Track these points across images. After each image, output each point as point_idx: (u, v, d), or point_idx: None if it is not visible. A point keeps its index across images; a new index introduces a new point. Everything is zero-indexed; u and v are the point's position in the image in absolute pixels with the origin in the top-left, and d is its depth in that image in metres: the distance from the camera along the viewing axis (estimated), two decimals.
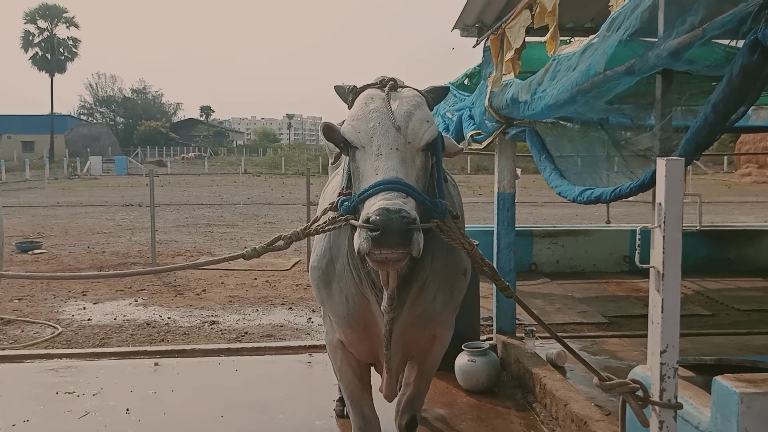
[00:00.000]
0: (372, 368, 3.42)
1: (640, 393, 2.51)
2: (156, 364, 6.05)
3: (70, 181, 39.73)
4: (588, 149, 4.23)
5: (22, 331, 7.26)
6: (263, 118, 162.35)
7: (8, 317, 7.68)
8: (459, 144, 2.94)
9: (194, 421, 4.87)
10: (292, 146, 78.20)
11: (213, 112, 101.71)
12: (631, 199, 3.45)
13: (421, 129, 2.48)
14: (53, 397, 5.26)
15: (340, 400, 4.77)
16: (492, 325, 6.34)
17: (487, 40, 5.33)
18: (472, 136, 5.60)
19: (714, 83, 3.11)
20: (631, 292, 8.83)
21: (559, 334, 2.88)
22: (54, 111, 65.66)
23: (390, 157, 2.37)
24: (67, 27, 65.01)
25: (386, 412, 3.53)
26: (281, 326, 7.44)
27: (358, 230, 2.28)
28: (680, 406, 2.46)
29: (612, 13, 3.07)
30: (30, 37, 63.81)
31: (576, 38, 5.05)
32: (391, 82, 2.61)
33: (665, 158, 2.34)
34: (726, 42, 2.61)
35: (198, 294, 9.00)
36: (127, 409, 4.99)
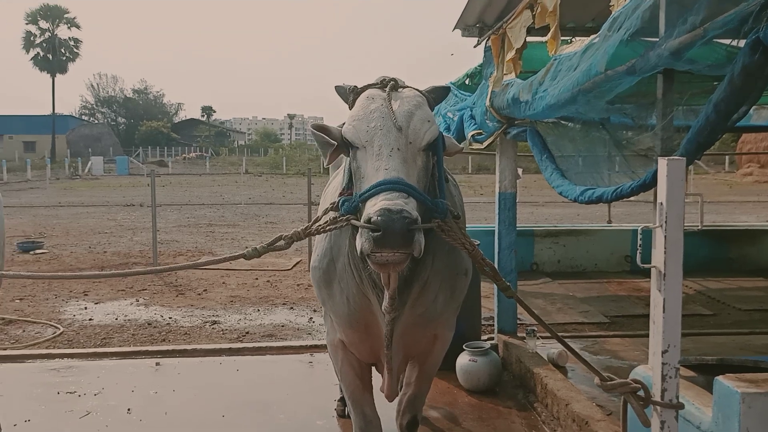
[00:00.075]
0: (373, 368, 3.41)
1: (641, 393, 2.50)
2: (157, 363, 6.05)
3: (72, 182, 39.77)
4: (589, 149, 4.22)
5: (24, 331, 7.27)
6: (264, 119, 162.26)
7: (10, 317, 7.69)
8: (460, 144, 2.94)
9: (195, 421, 4.87)
10: (293, 146, 78.10)
11: (214, 112, 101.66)
12: (632, 198, 3.45)
13: (422, 129, 2.48)
14: (54, 396, 5.26)
15: (342, 399, 4.77)
16: (493, 325, 6.33)
17: (488, 40, 5.32)
18: (473, 135, 5.60)
19: (715, 83, 3.11)
20: (633, 291, 8.83)
21: (560, 334, 2.88)
22: (55, 111, 65.84)
23: (391, 157, 2.37)
24: (69, 27, 65.16)
25: (387, 411, 3.54)
26: (282, 326, 7.44)
27: (359, 231, 2.28)
28: (682, 406, 2.46)
29: (613, 12, 3.06)
30: (31, 38, 63.91)
31: (577, 38, 5.06)
32: (392, 82, 2.61)
33: (666, 158, 2.33)
34: (727, 41, 2.61)
35: (199, 294, 9.00)
36: (129, 409, 4.99)
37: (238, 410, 5.00)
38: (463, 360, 5.37)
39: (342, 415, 4.75)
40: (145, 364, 6.07)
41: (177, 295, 8.90)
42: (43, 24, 64.22)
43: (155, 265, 10.58)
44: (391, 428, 3.54)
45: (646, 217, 13.47)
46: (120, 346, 6.66)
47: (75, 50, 65.38)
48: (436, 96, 2.73)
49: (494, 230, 6.18)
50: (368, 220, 2.21)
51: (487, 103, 5.08)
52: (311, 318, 7.73)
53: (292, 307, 8.28)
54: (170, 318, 7.73)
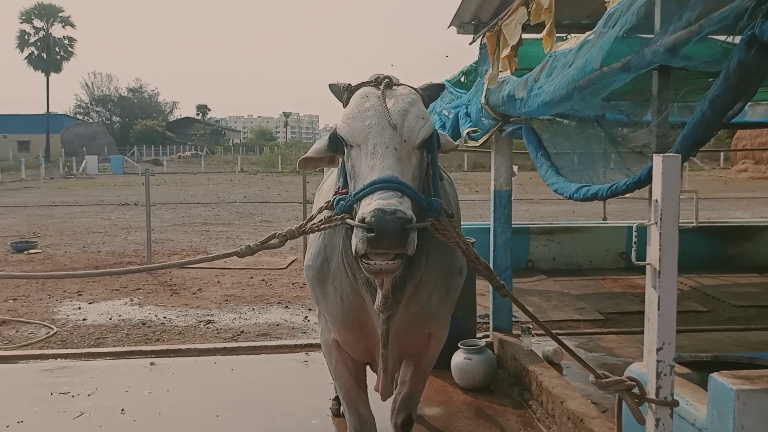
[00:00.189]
0: (367, 367, 3.40)
1: (636, 390, 2.50)
2: (151, 363, 6.03)
3: (66, 181, 39.63)
4: (584, 146, 4.22)
5: (17, 331, 7.23)
6: (260, 117, 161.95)
7: (3, 317, 7.65)
8: (455, 141, 2.93)
9: (190, 421, 4.85)
10: (288, 144, 78.00)
11: (209, 110, 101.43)
12: (627, 195, 3.44)
13: (416, 127, 2.47)
14: (48, 397, 5.23)
15: (337, 398, 4.75)
16: (488, 323, 6.32)
17: (483, 37, 5.31)
18: (468, 133, 5.59)
19: (711, 79, 3.10)
20: (628, 288, 8.83)
21: (555, 332, 2.87)
22: (50, 110, 65.52)
23: (386, 155, 2.35)
24: (63, 26, 64.91)
25: (382, 410, 3.52)
26: (277, 325, 7.42)
27: (354, 230, 2.27)
28: (676, 404, 2.45)
29: (608, 9, 3.05)
30: (26, 37, 63.65)
31: (572, 35, 5.05)
32: (386, 80, 2.59)
33: (662, 155, 2.32)
34: (723, 38, 2.60)
35: (194, 293, 8.97)
36: (122, 410, 4.97)
37: (232, 410, 4.98)
38: (458, 358, 5.36)
39: (337, 414, 4.73)
40: (140, 364, 6.05)
41: (171, 295, 8.87)
42: (38, 23, 63.98)
43: (149, 263, 10.55)
44: (386, 427, 3.53)
45: (641, 214, 13.49)
46: (114, 346, 6.63)
47: (69, 49, 65.16)
48: (431, 93, 2.72)
49: (490, 228, 6.17)
50: (362, 220, 2.19)
51: (483, 100, 5.06)
52: (306, 317, 7.71)
53: (287, 306, 8.26)
54: (164, 317, 7.70)
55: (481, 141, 5.56)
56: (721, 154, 38.11)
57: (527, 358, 5.41)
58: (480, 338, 5.93)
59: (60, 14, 64.40)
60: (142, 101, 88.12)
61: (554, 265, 10.23)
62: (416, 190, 2.36)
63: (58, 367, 5.94)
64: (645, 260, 2.43)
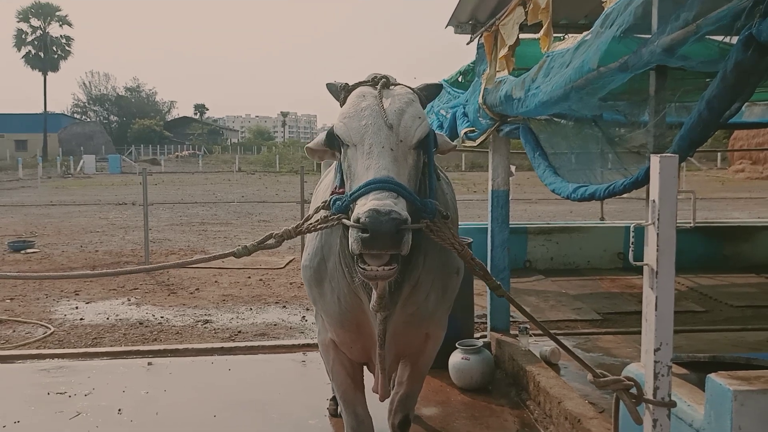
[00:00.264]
0: (365, 367, 3.40)
1: (634, 390, 2.50)
2: (149, 363, 6.02)
3: (64, 180, 39.58)
4: (582, 146, 4.22)
5: (14, 331, 7.21)
6: (257, 116, 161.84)
7: (0, 317, 7.63)
8: (453, 141, 2.92)
9: (187, 421, 4.84)
10: (286, 144, 78.01)
11: (207, 110, 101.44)
12: (624, 195, 3.44)
13: (412, 126, 2.46)
14: (45, 397, 5.22)
15: (334, 399, 4.75)
16: (486, 323, 6.32)
17: (480, 37, 5.30)
18: (466, 133, 5.58)
19: (708, 79, 3.10)
20: (625, 288, 8.84)
21: (552, 331, 2.86)
22: (47, 109, 65.47)
23: (381, 155, 2.35)
24: (60, 25, 64.82)
25: (379, 411, 3.52)
26: (275, 325, 7.41)
27: (350, 230, 2.27)
28: (674, 404, 2.45)
29: (605, 9, 3.05)
30: (23, 36, 63.55)
31: (569, 35, 5.05)
32: (383, 80, 2.58)
33: (659, 155, 2.32)
34: (720, 38, 2.59)
35: (191, 293, 8.96)
36: (120, 410, 4.96)
37: (230, 410, 4.97)
38: (455, 358, 5.36)
39: (334, 414, 4.73)
40: (137, 364, 6.04)
41: (169, 295, 8.86)
42: (35, 22, 63.87)
43: (147, 263, 10.54)
44: (383, 427, 3.52)
45: (638, 214, 13.49)
46: (111, 346, 6.61)
47: (67, 48, 65.07)
48: (428, 93, 2.72)
49: (487, 228, 6.17)
50: (357, 220, 2.19)
51: (480, 100, 5.06)
52: (304, 317, 7.71)
53: (284, 306, 8.26)
54: (162, 317, 7.69)
55: (478, 141, 5.56)
56: (718, 154, 38.13)
57: (525, 358, 5.41)
58: (477, 338, 5.93)
59: (57, 13, 64.32)
60: (139, 100, 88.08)
61: (552, 265, 10.23)
62: (411, 191, 2.36)
63: (55, 367, 5.93)
64: (642, 261, 2.43)
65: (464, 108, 5.71)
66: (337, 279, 2.91)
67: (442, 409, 5.01)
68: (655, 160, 2.32)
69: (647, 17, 2.76)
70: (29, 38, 63.72)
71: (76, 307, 8.19)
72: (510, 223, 6.17)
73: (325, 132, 2.65)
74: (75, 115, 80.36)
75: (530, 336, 5.77)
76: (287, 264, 11.00)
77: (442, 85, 3.57)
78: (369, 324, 2.89)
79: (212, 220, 17.87)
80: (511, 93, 4.25)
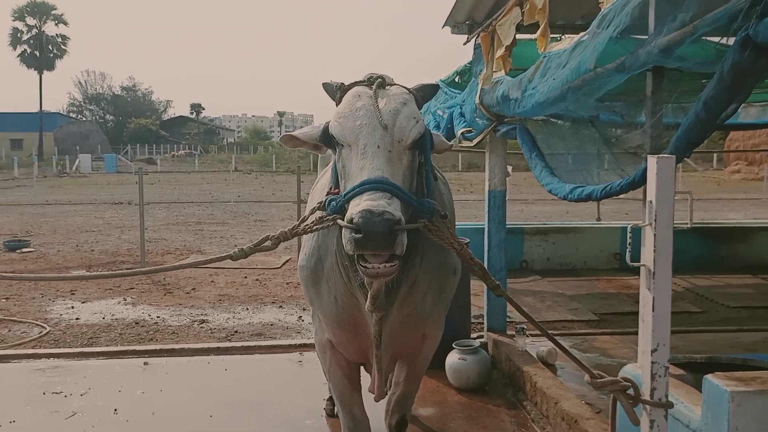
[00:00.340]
0: (362, 368, 3.39)
1: (631, 391, 2.50)
2: (145, 363, 6.00)
3: (59, 179, 39.49)
4: (578, 147, 4.22)
5: (9, 330, 7.19)
6: (254, 116, 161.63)
7: None
8: (449, 141, 2.92)
9: (183, 421, 4.83)
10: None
11: (203, 109, 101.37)
12: (621, 196, 3.44)
13: (407, 127, 2.45)
14: (40, 397, 5.21)
15: (330, 399, 4.74)
16: (483, 323, 6.33)
17: (477, 38, 5.31)
18: (462, 133, 5.58)
19: (704, 80, 3.11)
20: (622, 289, 8.85)
21: (549, 332, 2.86)
22: (43, 109, 65.21)
23: (376, 156, 2.34)
24: (56, 24, 64.64)
25: (376, 411, 3.51)
26: (271, 325, 7.41)
27: (343, 230, 2.26)
28: (671, 405, 2.45)
29: (602, 10, 3.05)
30: (18, 35, 63.38)
31: (566, 35, 5.06)
32: (379, 80, 2.58)
33: (656, 156, 2.32)
34: (717, 39, 2.60)
35: (187, 293, 8.95)
36: (115, 410, 4.95)
37: (226, 410, 4.97)
38: (452, 358, 5.36)
39: (331, 414, 4.73)
40: (133, 363, 6.02)
41: (165, 294, 8.84)
42: (30, 20, 63.70)
43: (143, 263, 10.52)
44: (380, 428, 3.52)
45: (635, 214, 13.53)
46: (107, 346, 6.60)
47: (62, 47, 64.91)
48: (425, 94, 2.71)
49: (484, 228, 6.17)
50: (350, 221, 2.18)
51: (477, 100, 5.07)
52: (300, 317, 7.70)
53: (281, 306, 8.25)
54: (158, 317, 7.68)
55: (475, 141, 5.56)
56: (714, 155, 38.24)
57: (521, 358, 5.41)
58: (474, 338, 5.92)
59: (53, 12, 64.16)
60: (135, 100, 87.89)
61: (548, 266, 10.24)
62: (407, 191, 2.35)
63: (51, 367, 5.91)
64: (639, 261, 2.43)
65: (461, 108, 5.71)
66: (334, 279, 2.90)
67: (438, 409, 5.01)
68: (652, 161, 2.32)
69: (644, 18, 2.76)
70: (25, 37, 63.56)
71: (72, 307, 8.17)
72: (506, 223, 6.17)
73: (320, 127, 2.64)
74: (71, 115, 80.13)
75: (527, 336, 5.77)
76: (284, 264, 10.99)
77: (438, 85, 3.57)
78: (366, 324, 2.88)
79: (208, 220, 17.84)
80: (508, 93, 4.26)
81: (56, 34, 64.57)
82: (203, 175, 43.20)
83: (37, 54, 63.26)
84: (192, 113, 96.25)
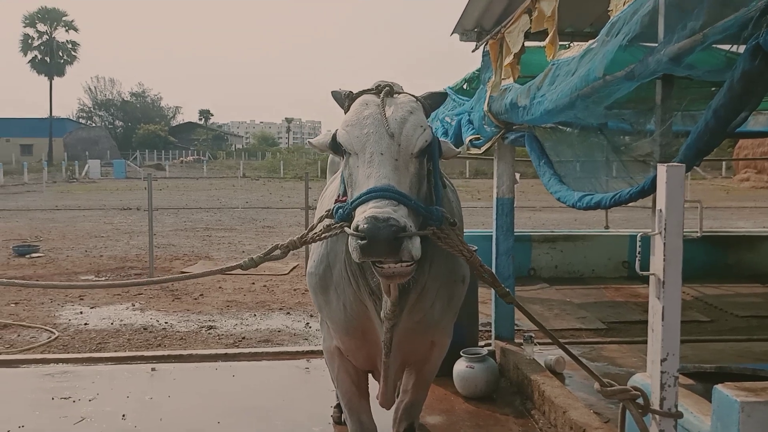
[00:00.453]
0: (370, 375, 3.39)
1: (640, 401, 2.48)
2: (153, 369, 6.02)
3: (69, 185, 39.68)
4: (587, 154, 4.21)
5: (19, 335, 7.22)
6: (262, 122, 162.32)
7: (4, 321, 7.65)
8: (457, 148, 2.92)
9: (191, 427, 4.84)
10: (290, 150, 77.86)
11: (212, 115, 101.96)
12: (630, 204, 3.43)
13: (414, 135, 2.46)
14: (49, 402, 5.22)
15: (338, 406, 4.73)
16: (490, 331, 6.31)
17: (486, 45, 5.31)
18: (471, 140, 5.58)
19: (713, 88, 3.10)
20: (630, 297, 8.81)
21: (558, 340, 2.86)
22: (53, 114, 65.59)
23: (382, 164, 2.35)
24: (67, 30, 65.06)
25: (384, 419, 3.50)
26: (279, 331, 7.41)
27: (349, 238, 2.26)
28: (680, 415, 2.44)
29: (611, 17, 3.05)
30: (29, 41, 63.83)
31: (575, 43, 5.05)
32: (387, 88, 2.59)
33: (666, 164, 2.32)
34: (727, 47, 2.59)
35: (195, 299, 8.96)
36: (123, 415, 4.96)
37: (234, 416, 4.97)
38: (460, 366, 5.34)
39: (338, 422, 4.71)
40: (141, 369, 6.04)
41: (173, 300, 8.86)
42: (41, 27, 64.16)
43: (151, 269, 10.54)
44: None
45: (643, 222, 13.47)
46: (115, 351, 6.62)
47: (73, 53, 65.31)
48: (433, 102, 2.72)
49: (491, 235, 6.16)
50: (356, 228, 2.19)
51: (485, 107, 5.07)
52: (308, 323, 7.70)
53: (288, 312, 8.25)
54: (166, 323, 7.70)
55: (483, 148, 5.56)
56: (723, 163, 38.05)
57: (529, 367, 5.39)
58: (482, 346, 5.90)
59: (64, 18, 64.58)
60: (144, 106, 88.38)
61: (556, 274, 10.21)
62: (414, 199, 2.35)
63: (60, 372, 5.93)
64: (649, 270, 2.42)
65: (469, 115, 5.71)
66: (342, 286, 2.90)
67: (446, 417, 4.99)
68: (662, 170, 2.32)
69: (654, 26, 2.76)
70: (35, 43, 64.01)
71: (81, 312, 8.20)
72: (514, 230, 6.16)
73: (330, 135, 2.65)
74: (80, 120, 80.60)
75: (535, 345, 5.74)
76: (291, 270, 11.00)
77: (446, 93, 3.58)
78: (374, 331, 2.88)
79: (216, 226, 17.89)
80: (516, 101, 4.26)
81: (67, 41, 65.01)
82: (211, 181, 43.33)
83: (48, 60, 63.67)
84: (201, 119, 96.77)
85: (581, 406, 4.51)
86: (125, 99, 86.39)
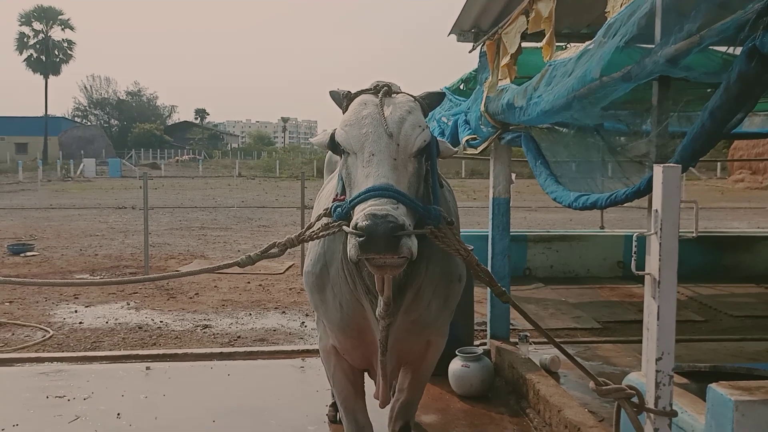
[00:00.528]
0: (365, 374, 3.40)
1: (635, 399, 2.50)
2: (148, 368, 6.01)
3: (64, 183, 39.58)
4: (583, 155, 4.23)
5: (13, 334, 7.20)
6: (258, 122, 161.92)
7: None
8: (454, 148, 2.93)
9: (186, 426, 4.84)
10: (286, 149, 77.72)
11: (208, 114, 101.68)
12: (625, 204, 3.45)
13: (413, 135, 2.46)
14: (43, 401, 5.21)
15: (333, 405, 4.74)
16: (486, 330, 6.32)
17: (483, 45, 5.32)
18: (467, 140, 5.59)
19: (710, 89, 3.11)
20: (625, 297, 8.84)
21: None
22: (48, 113, 65.56)
23: (381, 163, 2.36)
24: (63, 29, 65.01)
25: (380, 418, 3.51)
26: (274, 330, 7.41)
27: (348, 237, 2.27)
28: (675, 414, 2.45)
29: (608, 19, 3.06)
30: (25, 39, 63.70)
31: (572, 44, 5.07)
32: (385, 88, 2.59)
33: (662, 165, 2.33)
34: (723, 49, 2.61)
35: (191, 297, 8.95)
36: (118, 414, 4.95)
37: (229, 415, 4.97)
38: (455, 365, 5.35)
39: (334, 420, 4.72)
40: (136, 368, 6.03)
41: (168, 299, 8.85)
42: (37, 25, 64.04)
43: (146, 268, 10.53)
44: None
45: (638, 222, 13.50)
46: (110, 350, 6.61)
47: (69, 52, 65.22)
48: (431, 102, 2.72)
49: (487, 235, 6.18)
50: (355, 226, 2.19)
51: (482, 108, 5.08)
52: (303, 322, 7.70)
53: (284, 312, 8.25)
54: (161, 322, 7.68)
55: (480, 149, 5.57)
56: (718, 164, 38.19)
57: (524, 366, 5.41)
58: (477, 346, 5.92)
59: (60, 17, 64.50)
60: (140, 104, 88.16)
61: (551, 273, 10.24)
62: (412, 198, 2.36)
63: (54, 371, 5.92)
64: (644, 270, 2.43)
65: (466, 116, 5.72)
66: (339, 285, 2.91)
67: (441, 416, 5.00)
68: (658, 170, 2.33)
69: (650, 27, 2.77)
70: (31, 42, 63.87)
71: (76, 311, 8.18)
72: (510, 230, 6.17)
73: (329, 134, 2.65)
74: (76, 119, 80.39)
75: (530, 344, 5.76)
76: (287, 269, 11.00)
77: (444, 93, 3.59)
78: (371, 330, 2.89)
79: (212, 225, 17.86)
80: (513, 101, 4.27)
81: (62, 39, 64.93)
82: (207, 180, 43.24)
83: (43, 59, 63.56)
84: (196, 118, 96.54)
85: (576, 405, 4.52)
86: (121, 98, 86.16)
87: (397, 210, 2.22)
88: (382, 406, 3.14)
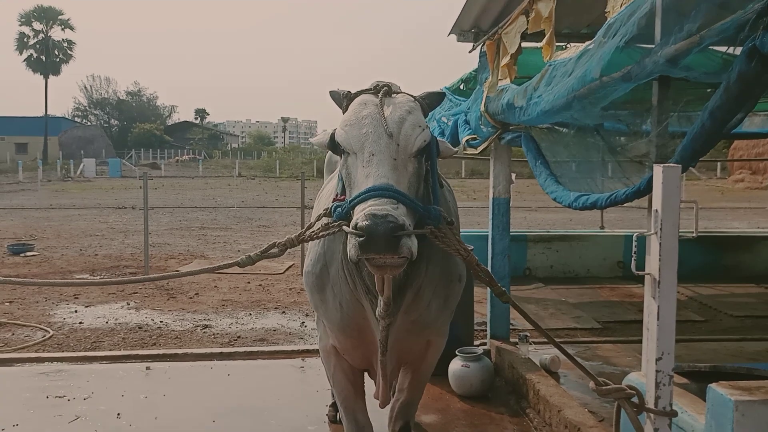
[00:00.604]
0: (365, 374, 3.40)
1: (635, 399, 2.50)
2: (148, 368, 6.01)
3: (64, 183, 39.58)
4: (583, 155, 4.23)
5: (13, 334, 7.20)
6: (258, 122, 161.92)
7: None
8: (454, 148, 2.93)
9: (186, 426, 4.84)
10: (286, 149, 77.68)
11: (208, 114, 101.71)
12: (625, 204, 3.45)
13: (413, 135, 2.46)
14: (43, 401, 5.21)
15: (333, 405, 4.74)
16: (486, 330, 6.32)
17: (483, 45, 5.32)
18: (467, 140, 5.60)
19: (710, 89, 3.11)
20: (625, 297, 8.84)
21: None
22: (48, 113, 65.55)
23: (381, 163, 2.36)
24: (63, 29, 65.02)
25: (380, 417, 3.51)
26: (274, 330, 7.41)
27: (348, 237, 2.27)
28: (675, 414, 2.45)
29: (608, 19, 3.06)
30: (25, 39, 63.71)
31: (572, 44, 5.07)
32: (385, 88, 2.59)
33: (662, 165, 2.33)
34: (723, 49, 2.61)
35: (191, 297, 8.95)
36: (118, 414, 4.95)
37: (229, 415, 4.97)
38: (455, 365, 5.35)
39: (334, 420, 4.72)
40: (136, 368, 6.03)
41: (168, 299, 8.85)
42: (37, 25, 64.05)
43: (146, 268, 10.53)
44: None
45: (638, 222, 13.50)
46: (110, 350, 6.61)
47: (69, 52, 65.23)
48: (431, 101, 2.72)
49: (487, 235, 6.18)
50: (355, 226, 2.19)
51: (482, 108, 5.08)
52: (303, 322, 7.70)
53: (284, 312, 8.25)
54: (161, 322, 7.69)
55: (480, 149, 5.58)
56: (718, 163, 38.19)
57: (524, 366, 5.41)
58: (477, 346, 5.92)
59: (60, 17, 64.51)
60: (140, 105, 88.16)
61: (551, 273, 10.24)
62: (412, 198, 2.36)
63: (54, 371, 5.92)
64: (645, 270, 2.43)
65: (466, 116, 5.73)
66: (339, 285, 2.91)
67: (441, 416, 5.00)
68: (658, 171, 2.33)
69: (650, 27, 2.77)
70: (31, 42, 63.88)
71: (76, 311, 8.18)
72: (510, 230, 6.17)
73: (328, 134, 2.65)
74: (76, 119, 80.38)
75: (530, 344, 5.76)
76: (287, 269, 11.00)
77: (444, 93, 3.59)
78: (371, 330, 2.89)
79: (212, 225, 17.86)
80: (513, 101, 4.27)
81: (62, 39, 64.94)
82: (207, 180, 43.23)
83: (44, 59, 63.57)
84: (196, 118, 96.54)
85: (576, 405, 4.52)
86: (121, 98, 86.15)
87: (397, 210, 2.22)
88: (382, 406, 3.14)
